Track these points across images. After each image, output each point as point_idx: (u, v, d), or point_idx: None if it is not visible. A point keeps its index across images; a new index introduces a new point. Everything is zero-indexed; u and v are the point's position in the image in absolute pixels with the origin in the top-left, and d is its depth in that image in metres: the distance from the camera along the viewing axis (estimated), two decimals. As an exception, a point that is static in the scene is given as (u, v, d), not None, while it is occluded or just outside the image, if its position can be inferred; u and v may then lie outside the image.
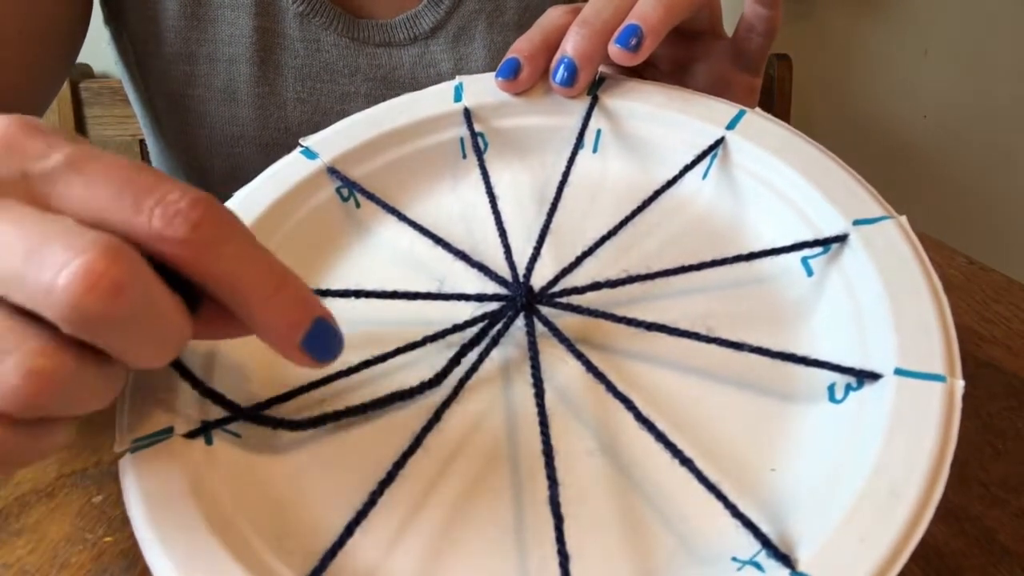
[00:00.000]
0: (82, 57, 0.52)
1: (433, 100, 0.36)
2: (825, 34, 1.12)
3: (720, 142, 0.32)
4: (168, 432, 0.25)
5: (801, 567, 0.21)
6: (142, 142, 0.83)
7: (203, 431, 0.26)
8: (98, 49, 0.55)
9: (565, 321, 0.29)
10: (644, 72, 0.36)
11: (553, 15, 0.36)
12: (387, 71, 0.52)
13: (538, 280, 0.30)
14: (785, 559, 0.21)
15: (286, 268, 0.22)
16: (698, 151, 0.32)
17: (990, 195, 1.22)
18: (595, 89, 0.35)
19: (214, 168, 0.54)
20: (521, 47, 0.35)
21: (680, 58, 0.41)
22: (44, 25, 0.45)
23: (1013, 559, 0.25)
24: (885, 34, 1.13)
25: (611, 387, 0.25)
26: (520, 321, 0.29)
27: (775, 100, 0.92)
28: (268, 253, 0.22)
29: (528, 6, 0.53)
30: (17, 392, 0.19)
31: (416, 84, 0.35)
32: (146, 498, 0.23)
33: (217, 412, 0.26)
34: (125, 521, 0.26)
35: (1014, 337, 0.36)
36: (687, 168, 0.32)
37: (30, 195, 0.20)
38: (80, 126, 0.86)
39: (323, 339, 0.23)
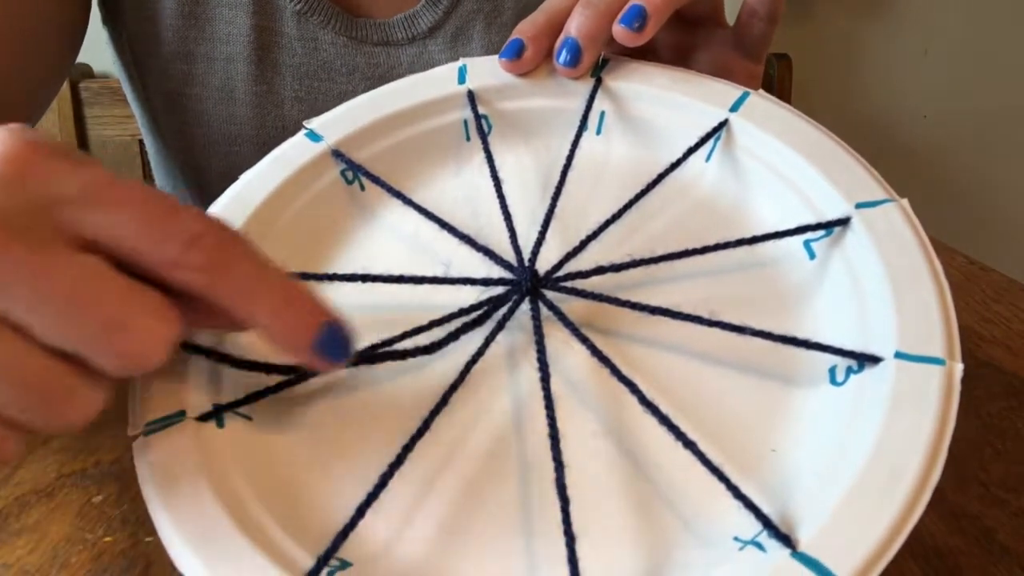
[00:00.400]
0: (82, 57, 0.51)
1: (437, 82, 0.35)
2: (825, 34, 1.11)
3: (724, 124, 0.32)
4: (180, 415, 0.25)
5: (802, 547, 0.21)
6: (142, 142, 0.83)
7: (215, 414, 0.26)
8: (98, 49, 0.55)
9: (570, 305, 0.29)
10: (645, 59, 0.36)
11: None
12: (385, 70, 0.52)
13: (543, 264, 0.30)
14: (786, 539, 0.22)
15: (293, 280, 0.23)
16: (702, 133, 0.32)
17: (990, 195, 1.22)
18: (599, 71, 0.35)
19: (211, 167, 0.54)
20: (525, 28, 0.35)
21: (681, 45, 0.41)
22: (42, 24, 0.45)
23: (1012, 558, 0.26)
24: (885, 34, 1.13)
25: (616, 371, 0.26)
26: (525, 305, 0.29)
27: (774, 100, 0.92)
28: (275, 269, 0.23)
29: (526, 6, 0.53)
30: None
31: None
32: (159, 480, 0.24)
33: (228, 395, 0.27)
34: (125, 521, 0.27)
35: (1014, 337, 0.36)
36: (691, 150, 0.32)
37: (59, 227, 0.20)
38: (80, 126, 0.85)
39: (334, 343, 0.24)
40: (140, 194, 0.21)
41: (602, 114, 0.35)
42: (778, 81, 0.93)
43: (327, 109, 0.35)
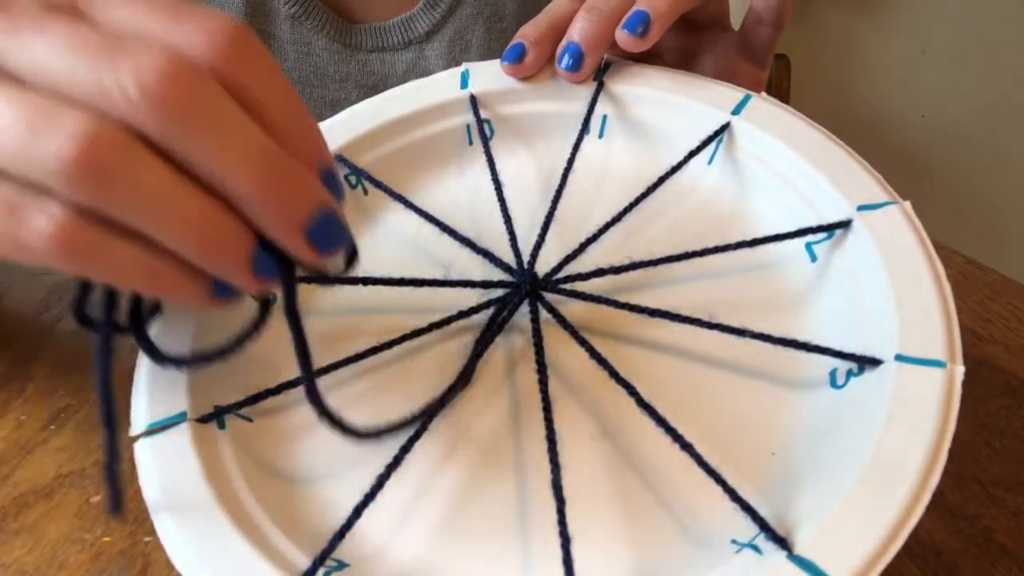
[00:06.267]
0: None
1: (439, 87, 0.36)
2: (822, 35, 1.11)
3: (725, 127, 0.32)
4: (181, 417, 0.26)
5: (798, 550, 0.21)
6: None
7: (216, 416, 0.26)
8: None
9: (569, 307, 0.29)
10: (649, 63, 0.36)
11: (560, 2, 0.36)
12: (379, 78, 0.52)
13: (543, 266, 0.30)
14: (783, 542, 0.22)
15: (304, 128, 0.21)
16: (704, 136, 0.32)
17: (988, 194, 1.22)
18: (601, 75, 0.35)
19: None
20: (527, 32, 0.35)
21: (686, 49, 0.41)
22: None
23: (1010, 558, 0.26)
24: (882, 34, 1.13)
25: (614, 373, 0.26)
26: (525, 307, 0.29)
27: (773, 100, 0.93)
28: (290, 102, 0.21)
29: (527, 14, 0.53)
30: (71, 162, 0.18)
31: None
32: (160, 481, 0.24)
33: (229, 397, 0.27)
34: (123, 521, 0.27)
35: (1012, 336, 0.36)
36: (692, 153, 0.32)
37: (75, 9, 0.20)
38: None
39: (327, 229, 0.20)
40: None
41: (604, 117, 0.35)
42: (776, 82, 0.93)
43: (318, 116, 0.35)
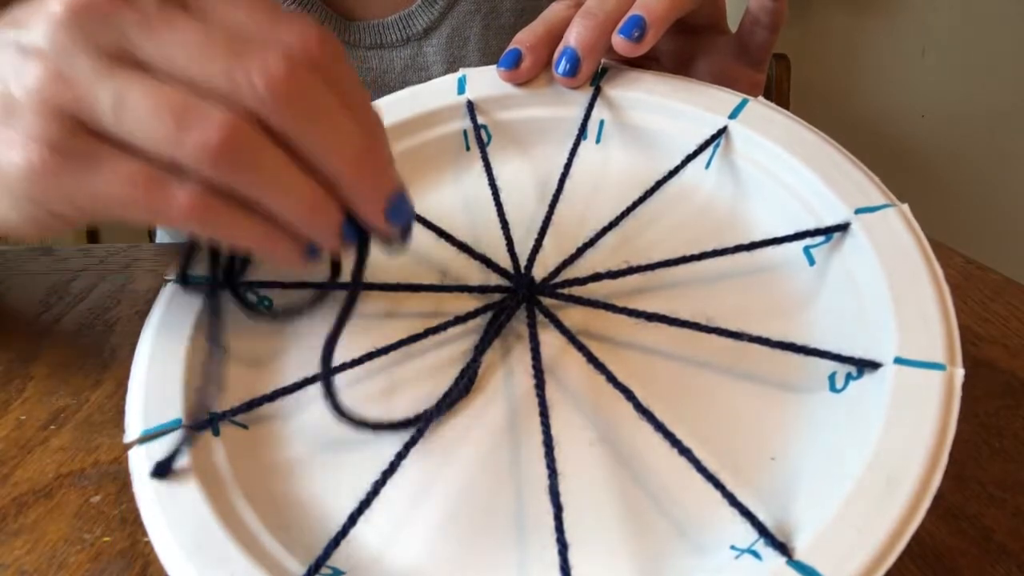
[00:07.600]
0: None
1: (437, 93, 0.36)
2: (822, 34, 1.12)
3: (723, 131, 0.32)
4: (176, 424, 0.25)
5: (798, 555, 0.21)
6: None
7: (211, 422, 0.26)
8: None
9: (566, 312, 0.29)
10: (646, 67, 0.36)
11: (556, 8, 0.36)
12: (377, 75, 0.52)
13: (540, 271, 0.30)
14: (782, 547, 0.21)
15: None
16: (701, 140, 0.32)
17: (987, 194, 1.22)
18: (598, 80, 0.35)
19: None
20: (523, 38, 0.35)
21: (682, 53, 0.41)
22: None
23: (1010, 558, 0.26)
24: (882, 34, 1.13)
25: (611, 378, 0.26)
26: (522, 312, 0.29)
27: (772, 100, 0.93)
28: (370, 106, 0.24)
29: (524, 9, 0.53)
30: (214, 150, 0.21)
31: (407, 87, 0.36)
32: (154, 489, 0.24)
33: (224, 403, 0.27)
34: (123, 521, 0.27)
35: (1011, 336, 0.36)
36: (689, 158, 0.32)
37: (185, 4, 0.22)
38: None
39: (403, 207, 0.24)
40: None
41: (601, 122, 0.35)
42: (776, 81, 0.93)
43: None
